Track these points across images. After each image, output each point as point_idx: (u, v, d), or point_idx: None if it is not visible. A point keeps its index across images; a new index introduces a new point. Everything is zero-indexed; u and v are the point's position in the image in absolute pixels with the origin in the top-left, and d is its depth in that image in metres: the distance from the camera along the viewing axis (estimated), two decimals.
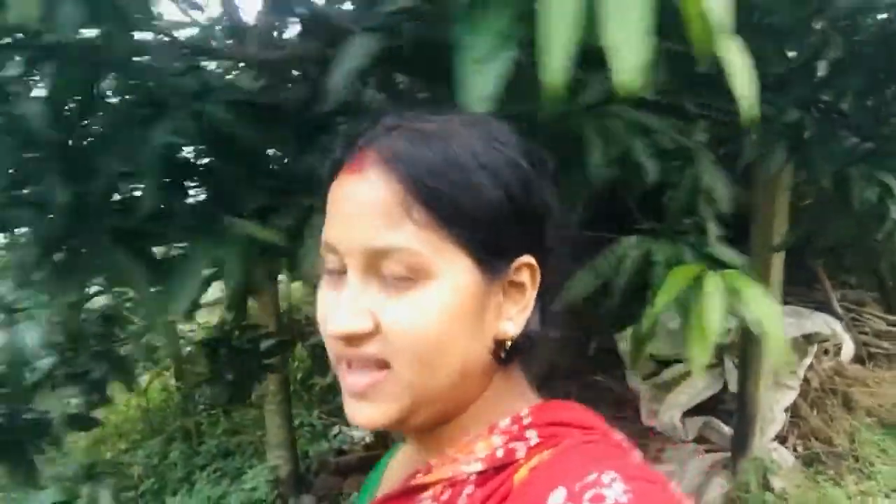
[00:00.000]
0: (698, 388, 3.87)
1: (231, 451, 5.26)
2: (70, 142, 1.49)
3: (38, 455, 2.53)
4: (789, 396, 3.86)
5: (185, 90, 1.51)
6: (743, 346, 3.45)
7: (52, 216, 1.51)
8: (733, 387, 3.76)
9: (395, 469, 0.76)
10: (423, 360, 0.58)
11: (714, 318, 1.52)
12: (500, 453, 0.61)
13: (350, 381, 0.60)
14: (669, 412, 3.85)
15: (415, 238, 0.57)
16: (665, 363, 4.06)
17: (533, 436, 0.61)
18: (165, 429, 5.51)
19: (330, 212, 0.61)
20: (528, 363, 0.68)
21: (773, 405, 3.67)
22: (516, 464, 0.59)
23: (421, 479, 0.64)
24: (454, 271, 0.58)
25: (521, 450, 0.60)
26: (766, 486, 3.37)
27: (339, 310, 0.59)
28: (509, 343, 0.63)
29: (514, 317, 0.63)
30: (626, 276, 1.78)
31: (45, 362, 2.13)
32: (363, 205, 0.58)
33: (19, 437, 2.42)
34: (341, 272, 0.60)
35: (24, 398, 2.21)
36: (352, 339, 0.58)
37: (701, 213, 1.80)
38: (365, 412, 0.60)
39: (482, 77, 1.03)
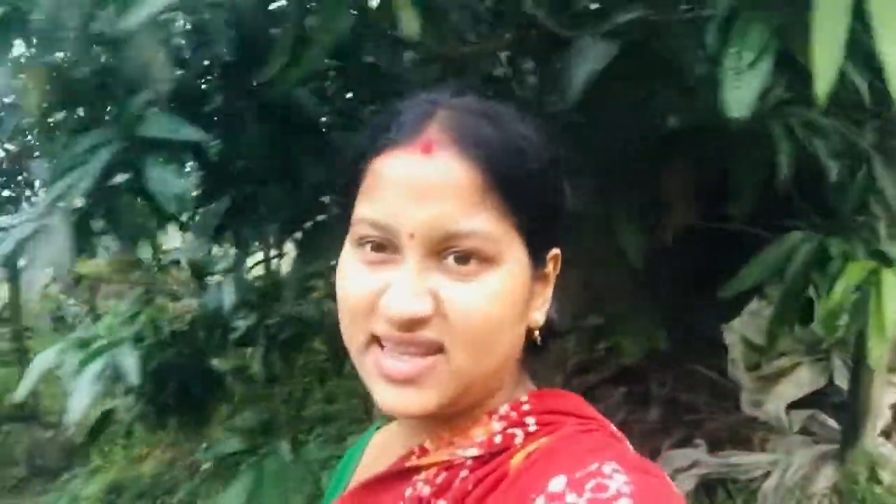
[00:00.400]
0: (804, 381, 3.94)
1: (332, 417, 5.54)
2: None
3: (210, 408, 2.78)
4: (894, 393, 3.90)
5: None
6: (858, 343, 3.51)
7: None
8: (839, 381, 3.83)
9: (381, 449, 0.74)
10: (480, 345, 0.57)
11: (892, 313, 1.64)
12: (497, 439, 0.61)
13: (390, 365, 0.58)
14: (775, 403, 3.93)
15: (491, 224, 0.56)
16: (761, 352, 4.15)
17: (531, 422, 0.61)
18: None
19: (380, 188, 0.58)
20: (538, 353, 0.67)
21: (881, 401, 3.72)
22: (512, 449, 0.60)
23: (415, 462, 0.63)
24: (516, 259, 0.58)
25: (519, 436, 0.60)
26: (875, 479, 3.44)
27: (399, 291, 0.56)
28: (537, 332, 0.64)
29: (540, 307, 0.64)
30: (797, 268, 1.90)
31: (241, 322, 2.36)
32: (437, 186, 0.56)
33: (196, 390, 2.67)
34: (386, 256, 0.58)
35: (214, 355, 2.45)
36: (411, 322, 0.56)
37: (872, 211, 1.91)
38: (409, 399, 0.58)
39: (743, 86, 1.17)
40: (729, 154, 2.14)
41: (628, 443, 0.61)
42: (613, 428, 0.63)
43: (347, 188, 0.61)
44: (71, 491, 5.01)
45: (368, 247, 0.59)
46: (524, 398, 0.63)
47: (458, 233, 0.56)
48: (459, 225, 0.55)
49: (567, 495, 0.51)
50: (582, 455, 0.55)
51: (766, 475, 3.69)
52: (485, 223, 0.56)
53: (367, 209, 0.58)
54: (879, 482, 3.43)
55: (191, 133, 1.51)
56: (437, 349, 0.57)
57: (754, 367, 4.14)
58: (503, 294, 0.57)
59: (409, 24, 1.11)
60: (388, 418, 0.74)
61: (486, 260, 0.56)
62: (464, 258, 0.56)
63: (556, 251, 0.64)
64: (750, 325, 4.02)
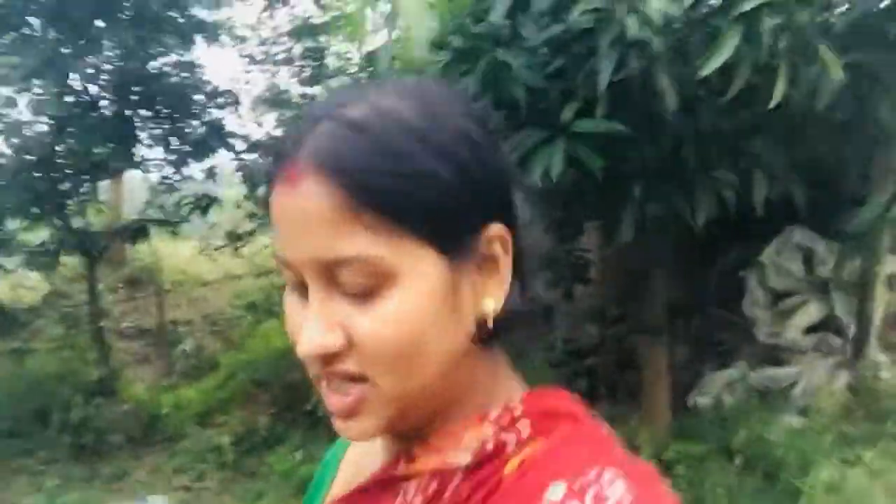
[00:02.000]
0: (812, 313, 5.12)
1: None
2: None
3: None
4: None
5: None
6: (862, 282, 4.72)
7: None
8: (839, 312, 5.03)
9: (362, 456, 0.72)
10: (401, 370, 0.55)
11: None
12: (490, 444, 0.58)
13: (333, 401, 0.57)
14: (791, 332, 5.09)
15: (369, 244, 0.52)
16: (778, 296, 5.31)
17: (525, 426, 0.58)
18: None
19: (273, 224, 0.57)
20: (509, 338, 0.64)
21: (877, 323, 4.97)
22: (506, 455, 0.57)
23: (404, 470, 0.61)
24: (418, 267, 0.54)
25: (511, 442, 0.58)
26: (877, 378, 4.66)
27: (307, 328, 0.55)
28: (490, 322, 0.59)
29: (494, 292, 0.59)
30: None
31: None
32: (304, 219, 0.53)
33: None
34: (303, 287, 0.57)
35: None
36: (325, 358, 0.55)
37: None
38: (354, 430, 0.58)
39: None
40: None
41: (619, 441, 0.59)
42: (605, 427, 0.60)
43: None
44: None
45: (292, 283, 0.58)
46: (516, 400, 0.60)
47: (338, 260, 0.53)
48: (336, 252, 0.53)
49: None
50: (580, 461, 0.53)
51: (793, 385, 4.85)
52: (363, 245, 0.52)
53: (276, 248, 0.57)
54: (880, 379, 4.65)
55: None
56: (362, 378, 0.56)
57: (772, 305, 5.29)
58: (410, 310, 0.54)
59: None
60: None
61: (382, 279, 0.53)
62: (358, 284, 0.54)
63: (495, 229, 0.57)
64: (770, 270, 5.16)
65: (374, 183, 0.52)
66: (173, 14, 6.17)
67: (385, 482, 0.62)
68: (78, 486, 5.26)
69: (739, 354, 5.28)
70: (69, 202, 6.20)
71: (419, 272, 0.54)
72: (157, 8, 5.93)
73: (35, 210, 5.93)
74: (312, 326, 0.55)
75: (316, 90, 6.95)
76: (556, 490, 0.51)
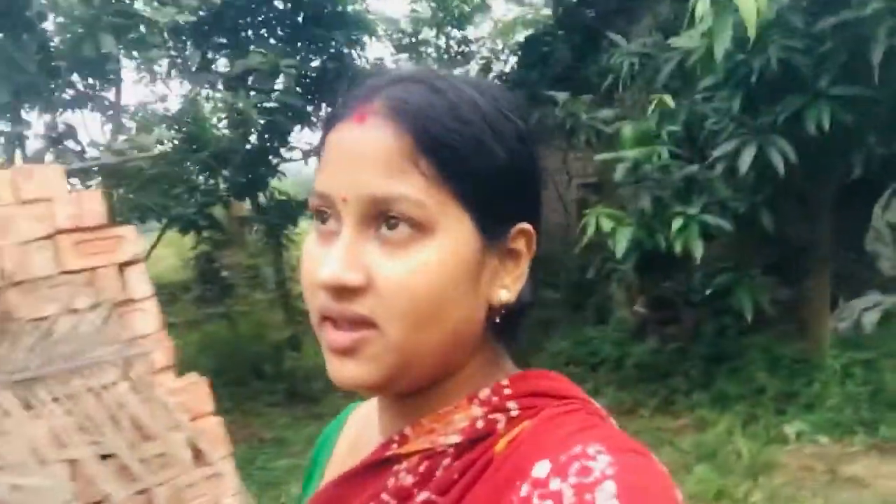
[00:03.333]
0: None
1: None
2: None
3: None
4: None
5: None
6: None
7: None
8: None
9: (358, 435, 0.74)
10: (415, 321, 0.56)
11: None
12: (480, 424, 0.59)
13: (333, 336, 0.57)
14: None
15: (421, 189, 0.55)
16: None
17: (514, 407, 0.60)
18: None
19: (326, 160, 0.59)
20: (514, 334, 0.66)
21: None
22: (495, 435, 0.58)
23: (395, 450, 0.61)
24: (456, 229, 0.57)
25: (501, 421, 0.59)
26: None
27: (331, 259, 0.56)
28: (503, 311, 0.61)
29: (510, 284, 0.61)
30: None
31: None
32: (368, 152, 0.56)
33: None
34: (332, 226, 0.58)
35: None
36: (341, 293, 0.56)
37: None
38: (350, 371, 0.57)
39: None
40: None
41: (612, 420, 0.60)
42: (597, 405, 0.61)
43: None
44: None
45: (320, 220, 0.60)
46: (505, 381, 0.62)
47: (387, 196, 0.55)
48: (387, 187, 0.55)
49: (551, 481, 0.51)
50: (565, 437, 0.54)
51: None
52: (414, 188, 0.55)
53: (317, 181, 0.59)
54: None
55: None
56: (369, 325, 0.56)
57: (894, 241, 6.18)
58: (437, 266, 0.56)
59: None
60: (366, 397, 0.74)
61: (419, 228, 0.55)
62: (397, 226, 0.55)
63: (523, 226, 0.61)
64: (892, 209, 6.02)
65: (440, 135, 0.55)
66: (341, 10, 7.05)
67: (378, 464, 0.62)
68: (304, 423, 6.14)
69: (868, 286, 6.16)
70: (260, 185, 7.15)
71: (456, 235, 0.57)
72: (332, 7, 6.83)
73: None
74: (337, 258, 0.56)
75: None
76: (542, 467, 0.52)
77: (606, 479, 0.49)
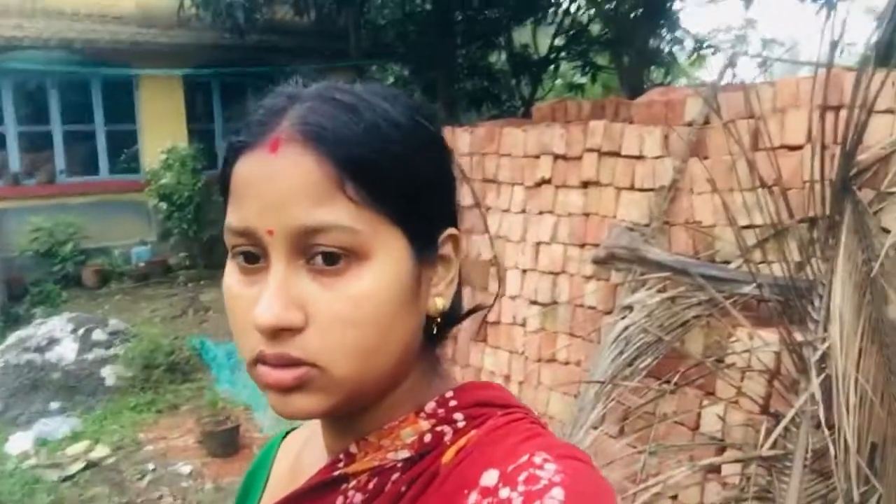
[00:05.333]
0: None
1: None
2: None
3: None
4: None
5: None
6: None
7: None
8: None
9: (297, 457, 0.72)
10: (362, 354, 0.55)
11: None
12: (427, 438, 0.59)
13: (275, 376, 0.54)
14: None
15: (351, 215, 0.53)
16: None
17: (459, 418, 0.59)
18: None
19: (240, 194, 0.55)
20: (445, 338, 0.65)
21: None
22: (442, 446, 0.58)
23: (343, 470, 0.60)
24: (390, 250, 0.55)
25: (448, 433, 0.58)
26: None
27: (267, 298, 0.53)
28: (439, 319, 0.61)
29: (444, 291, 0.61)
30: None
31: None
32: (289, 183, 0.53)
33: None
34: (254, 261, 0.56)
35: None
36: (277, 334, 0.53)
37: None
38: (296, 404, 0.55)
39: None
40: None
41: (549, 429, 0.60)
42: (535, 415, 0.61)
43: (224, 200, 0.58)
44: None
45: (241, 258, 0.56)
46: (449, 393, 0.61)
47: (317, 225, 0.53)
48: (317, 216, 0.52)
49: (500, 489, 0.51)
50: (512, 447, 0.54)
51: None
52: (343, 215, 0.53)
53: (230, 217, 0.56)
54: None
55: None
56: (312, 366, 0.54)
57: None
58: (378, 293, 0.54)
59: None
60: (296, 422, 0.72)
61: (354, 255, 0.53)
62: (331, 257, 0.53)
63: (451, 231, 0.61)
64: None
65: (361, 158, 0.53)
66: None
67: (325, 484, 0.61)
68: None
69: None
70: None
71: (391, 256, 0.55)
72: None
73: None
74: (272, 297, 0.53)
75: None
76: (490, 476, 0.52)
77: (554, 487, 0.49)
